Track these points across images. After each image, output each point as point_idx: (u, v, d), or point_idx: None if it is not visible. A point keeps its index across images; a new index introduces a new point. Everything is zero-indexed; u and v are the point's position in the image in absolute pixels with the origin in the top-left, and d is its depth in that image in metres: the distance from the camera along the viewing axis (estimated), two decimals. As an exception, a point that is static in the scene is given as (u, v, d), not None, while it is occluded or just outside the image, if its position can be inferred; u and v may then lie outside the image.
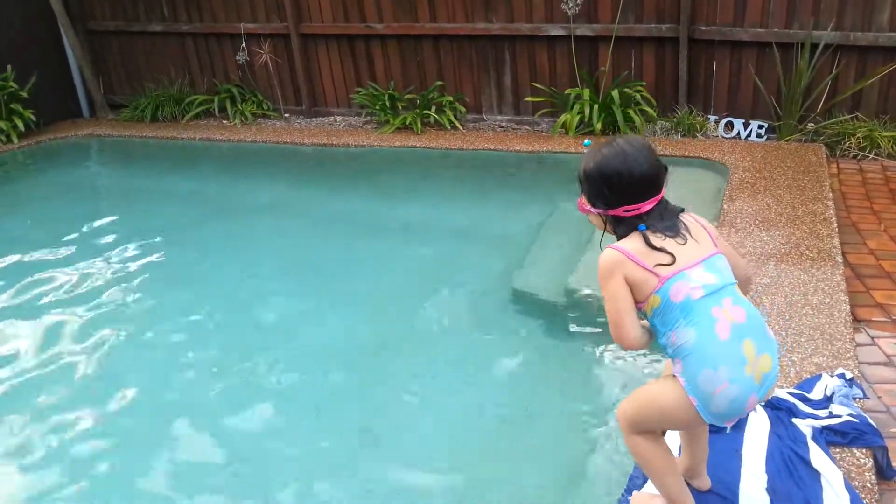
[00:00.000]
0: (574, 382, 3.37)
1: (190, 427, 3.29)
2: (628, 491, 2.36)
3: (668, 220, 1.96)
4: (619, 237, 1.99)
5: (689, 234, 1.97)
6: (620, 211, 1.95)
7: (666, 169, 1.98)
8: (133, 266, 4.93)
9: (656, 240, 1.92)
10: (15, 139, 7.70)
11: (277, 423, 3.30)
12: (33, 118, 7.91)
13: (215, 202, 6.18)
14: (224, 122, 8.10)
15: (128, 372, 3.73)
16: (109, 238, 5.44)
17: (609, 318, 1.96)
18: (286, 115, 8.17)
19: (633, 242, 1.94)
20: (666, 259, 1.90)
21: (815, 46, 5.75)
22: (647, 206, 1.94)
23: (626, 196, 1.93)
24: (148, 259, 5.05)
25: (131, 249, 5.20)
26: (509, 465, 2.88)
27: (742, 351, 1.85)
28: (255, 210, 5.90)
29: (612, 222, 2.00)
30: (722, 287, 1.91)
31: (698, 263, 1.92)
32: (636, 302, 1.94)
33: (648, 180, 1.93)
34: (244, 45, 7.95)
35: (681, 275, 1.89)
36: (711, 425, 2.09)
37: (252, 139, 7.41)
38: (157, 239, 5.40)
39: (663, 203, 1.98)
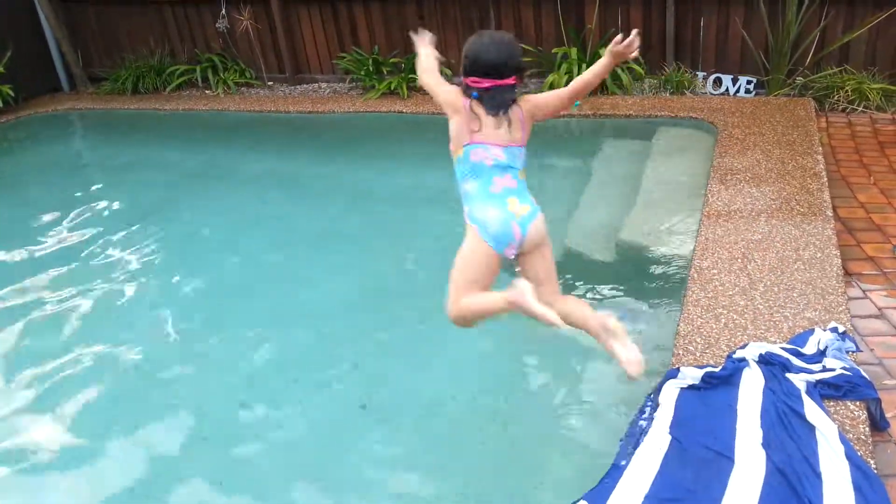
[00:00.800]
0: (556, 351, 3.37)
1: (194, 388, 3.32)
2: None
3: (496, 102, 2.55)
4: None
5: (509, 122, 2.57)
6: (468, 80, 2.57)
7: (520, 68, 2.60)
8: (119, 239, 4.88)
9: (478, 109, 2.56)
10: (-7, 115, 7.57)
11: (276, 384, 3.31)
12: (11, 94, 7.76)
13: (201, 173, 6.10)
14: (207, 92, 7.97)
15: (121, 343, 3.71)
16: (95, 212, 5.38)
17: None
18: (270, 82, 8.05)
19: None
20: (475, 126, 2.56)
21: (802, -1, 5.69)
22: (485, 83, 2.54)
23: (474, 71, 2.56)
24: (135, 231, 4.99)
25: (118, 223, 5.15)
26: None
27: (506, 200, 2.57)
28: (242, 180, 5.84)
29: (462, 87, 2.61)
30: (508, 166, 2.59)
31: (501, 146, 2.57)
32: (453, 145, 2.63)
33: (492, 65, 2.53)
34: (224, 12, 7.79)
35: (482, 145, 2.57)
36: (703, 383, 2.32)
37: (236, 108, 7.31)
38: (143, 211, 5.34)
39: (502, 89, 2.55)
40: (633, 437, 2.43)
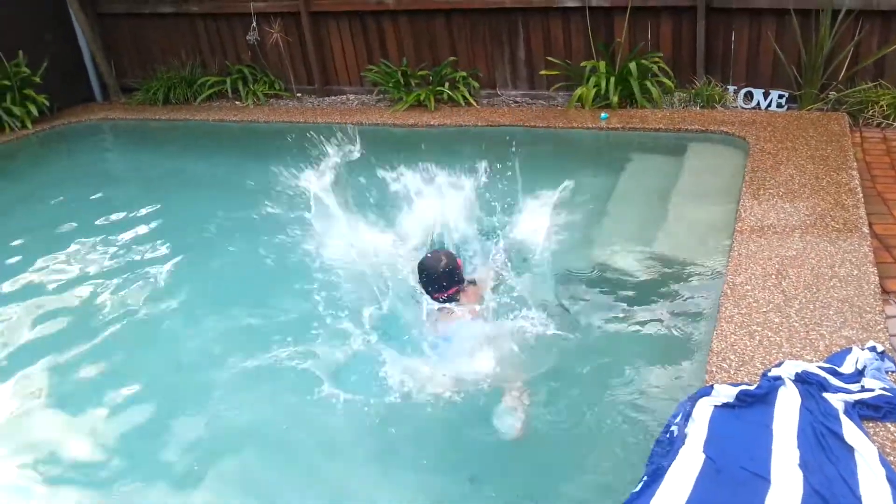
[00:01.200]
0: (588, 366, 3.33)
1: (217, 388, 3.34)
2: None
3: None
4: None
5: None
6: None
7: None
8: (149, 251, 4.92)
9: None
10: (29, 125, 7.70)
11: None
12: (47, 103, 7.90)
13: (230, 183, 6.15)
14: (237, 102, 8.06)
15: (144, 349, 3.73)
16: (124, 221, 5.44)
17: None
18: (298, 94, 8.12)
19: None
20: None
21: (836, 12, 5.61)
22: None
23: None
24: (164, 240, 5.04)
25: (148, 232, 5.20)
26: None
27: None
28: (267, 190, 5.86)
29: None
30: None
31: None
32: None
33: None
34: (254, 24, 7.89)
35: None
36: (738, 401, 2.43)
37: (265, 119, 7.38)
38: (174, 220, 5.40)
39: None
40: (661, 454, 2.38)
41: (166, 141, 7.53)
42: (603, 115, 6.19)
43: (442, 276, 3.28)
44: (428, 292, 3.30)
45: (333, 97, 7.98)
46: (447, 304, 3.28)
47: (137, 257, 4.83)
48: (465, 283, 3.40)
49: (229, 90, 8.09)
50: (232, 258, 4.78)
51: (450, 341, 3.22)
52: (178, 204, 5.79)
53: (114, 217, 5.53)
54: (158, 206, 5.75)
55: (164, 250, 4.94)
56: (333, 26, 7.72)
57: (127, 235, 5.18)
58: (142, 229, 5.29)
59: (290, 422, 3.12)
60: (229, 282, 4.49)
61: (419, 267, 3.33)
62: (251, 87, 8.06)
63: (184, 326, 4.00)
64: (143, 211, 5.65)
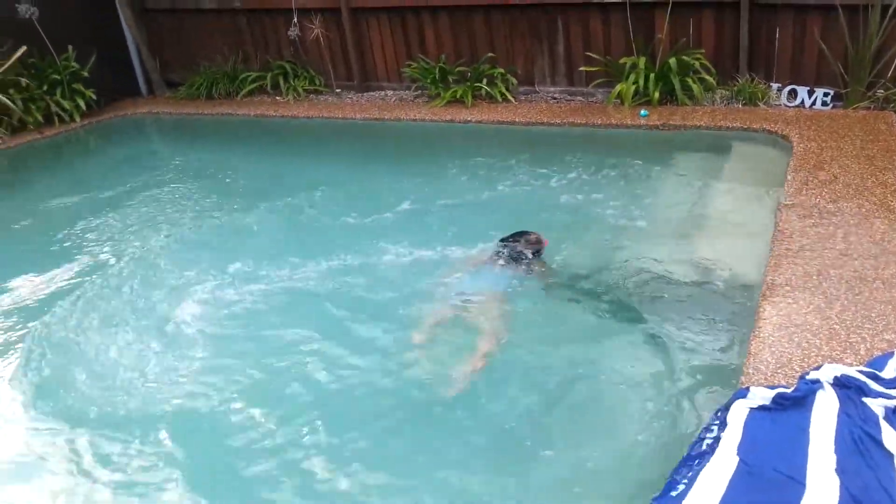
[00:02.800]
0: (627, 363, 3.32)
1: (248, 370, 3.41)
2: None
3: None
4: None
5: None
6: None
7: None
8: (195, 240, 5.04)
9: None
10: (77, 118, 7.91)
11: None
12: (94, 97, 8.11)
13: (271, 177, 6.25)
14: (277, 98, 8.17)
15: (196, 337, 3.82)
16: (167, 209, 5.58)
17: None
18: (338, 90, 8.19)
19: None
20: None
21: (886, 8, 5.47)
22: None
23: None
24: (202, 233, 5.15)
25: (189, 224, 5.32)
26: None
27: None
28: (308, 185, 5.94)
29: None
30: None
31: None
32: None
33: None
34: (296, 20, 7.97)
35: None
36: (774, 404, 2.42)
37: (305, 115, 7.47)
38: (217, 212, 5.51)
39: None
40: (697, 455, 2.37)
41: (209, 135, 7.68)
42: (643, 111, 6.13)
43: (532, 242, 4.17)
44: (513, 248, 4.13)
45: (372, 93, 8.04)
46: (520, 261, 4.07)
47: (178, 247, 4.94)
48: (539, 258, 4.15)
49: (269, 85, 8.20)
50: (274, 245, 4.85)
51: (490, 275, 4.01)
52: (218, 195, 5.91)
53: (159, 207, 5.67)
54: (200, 196, 5.88)
55: (207, 238, 5.05)
56: (373, 22, 7.77)
57: (172, 225, 5.30)
58: (185, 221, 5.40)
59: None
60: (268, 268, 4.55)
61: (524, 232, 4.22)
62: (292, 82, 8.16)
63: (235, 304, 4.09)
64: (182, 202, 5.78)
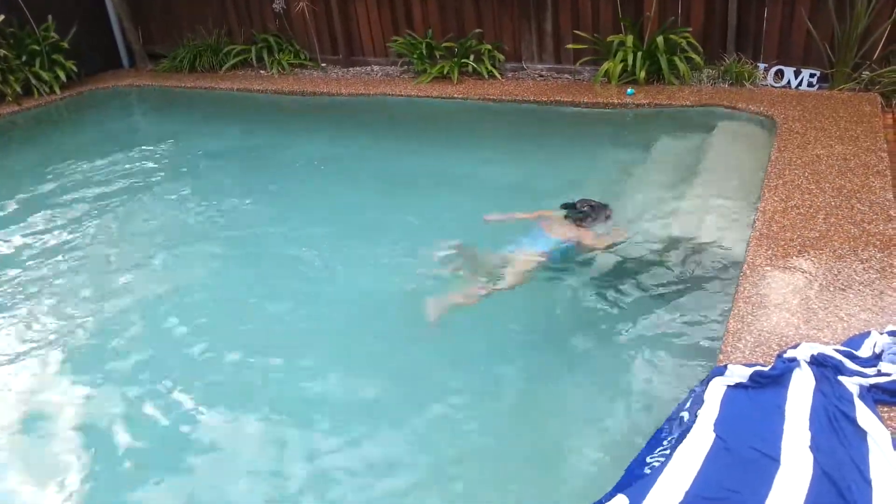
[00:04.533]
0: (604, 341, 3.33)
1: (230, 363, 3.37)
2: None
3: None
4: None
5: None
6: None
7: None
8: (169, 213, 4.99)
9: None
10: (57, 90, 7.79)
11: (307, 363, 3.35)
12: (75, 69, 7.98)
13: (252, 152, 6.19)
14: (262, 72, 8.07)
15: (165, 317, 3.79)
16: (147, 186, 5.51)
17: None
18: (323, 64, 8.10)
19: None
20: None
21: (874, -11, 5.46)
22: None
23: None
24: (183, 207, 5.10)
25: (169, 198, 5.26)
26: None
27: None
28: (291, 161, 5.90)
29: None
30: None
31: None
32: None
33: None
34: (281, -8, 7.87)
35: None
36: (751, 381, 2.46)
37: (289, 89, 7.38)
38: (197, 186, 5.46)
39: None
40: (671, 430, 2.38)
41: (190, 108, 7.58)
42: (629, 90, 6.10)
43: (591, 207, 4.24)
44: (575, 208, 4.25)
45: (358, 68, 7.96)
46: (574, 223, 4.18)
47: (155, 222, 4.89)
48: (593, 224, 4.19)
49: (254, 59, 8.10)
50: (255, 221, 4.82)
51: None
52: (195, 169, 5.85)
53: (133, 181, 5.60)
54: (175, 169, 5.82)
55: (182, 216, 5.00)
56: (360, -4, 7.67)
57: (146, 200, 5.24)
58: (160, 194, 5.35)
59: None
60: (250, 242, 4.53)
61: (587, 199, 4.33)
62: (276, 56, 8.06)
63: (210, 283, 4.06)
64: (163, 175, 5.72)
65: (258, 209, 5.04)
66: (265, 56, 8.06)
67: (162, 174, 5.80)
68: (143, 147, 6.59)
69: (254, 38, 8.30)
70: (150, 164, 6.09)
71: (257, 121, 7.04)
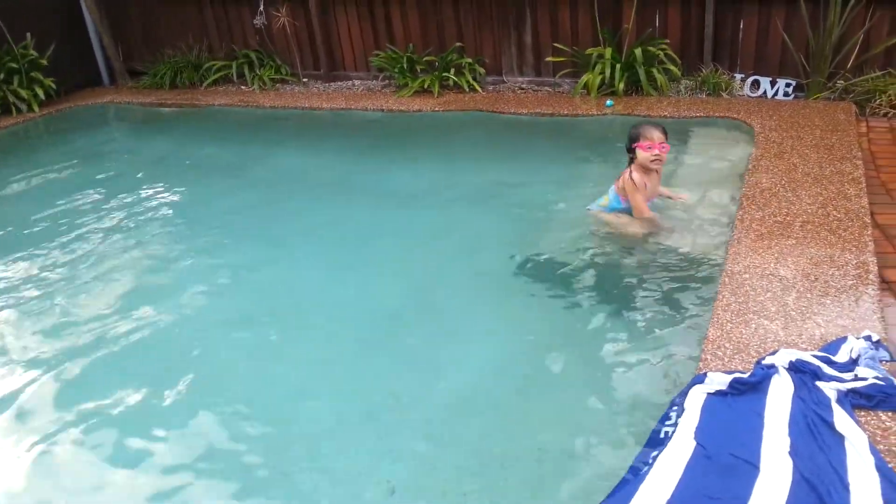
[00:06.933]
0: (585, 350, 3.34)
1: (208, 386, 3.32)
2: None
3: None
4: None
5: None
6: None
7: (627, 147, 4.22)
8: (152, 232, 4.95)
9: None
10: (36, 108, 7.73)
11: (293, 386, 3.32)
12: (54, 86, 7.93)
13: (234, 168, 6.17)
14: (243, 87, 8.07)
15: (146, 337, 3.75)
16: (129, 205, 5.47)
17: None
18: (305, 79, 8.11)
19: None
20: None
21: (846, 0, 5.55)
22: None
23: None
24: (167, 226, 5.07)
25: (152, 216, 5.22)
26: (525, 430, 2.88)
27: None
28: (273, 176, 5.89)
29: None
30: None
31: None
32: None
33: None
34: (262, 8, 7.88)
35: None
36: (731, 389, 2.45)
37: (271, 104, 7.38)
38: (177, 205, 5.43)
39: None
40: (656, 443, 2.39)
41: (170, 124, 7.54)
42: (608, 101, 6.16)
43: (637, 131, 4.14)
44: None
45: (340, 82, 7.98)
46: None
47: (134, 241, 4.85)
48: (638, 153, 4.10)
49: (235, 74, 8.10)
50: (236, 239, 4.81)
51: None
52: (181, 186, 5.82)
53: (116, 200, 5.56)
54: (161, 189, 5.78)
55: (165, 231, 4.97)
56: (341, 11, 7.70)
57: (128, 218, 5.21)
58: (143, 213, 5.31)
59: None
60: (230, 261, 4.52)
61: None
62: (257, 71, 8.06)
63: (194, 304, 4.04)
64: (145, 193, 5.68)
65: (242, 224, 5.03)
66: (246, 71, 8.07)
67: (140, 192, 5.76)
68: (122, 164, 6.56)
69: (235, 54, 8.30)
70: (128, 181, 6.05)
71: (238, 136, 7.02)
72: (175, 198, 5.60)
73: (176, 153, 6.70)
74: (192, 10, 8.43)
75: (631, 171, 4.13)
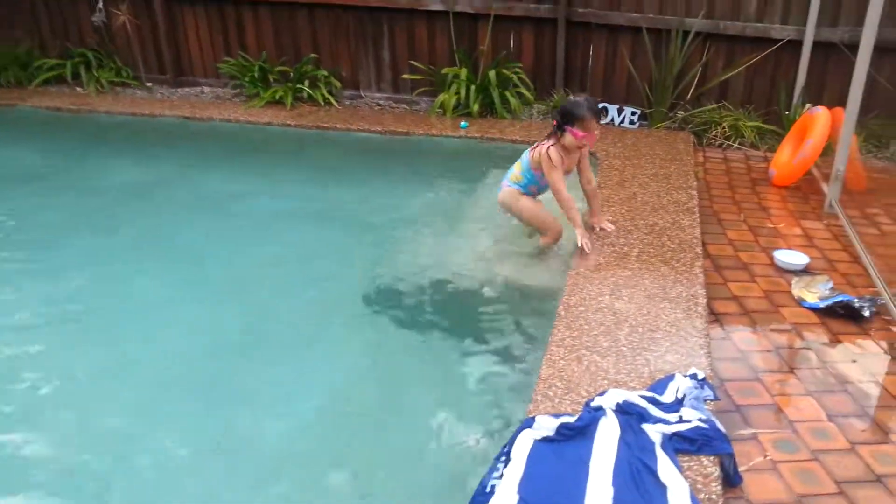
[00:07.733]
0: (435, 374, 3.21)
1: (46, 420, 2.96)
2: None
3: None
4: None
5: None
6: None
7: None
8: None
9: None
10: None
11: (133, 416, 2.99)
12: None
13: (61, 180, 5.61)
14: (78, 89, 7.41)
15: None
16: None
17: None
18: (149, 83, 7.55)
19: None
20: None
21: (686, 34, 5.80)
22: None
23: None
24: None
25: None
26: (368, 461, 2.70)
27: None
28: (104, 189, 5.40)
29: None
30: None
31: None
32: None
33: None
34: (101, 5, 7.27)
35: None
36: (558, 434, 2.44)
37: (107, 110, 6.80)
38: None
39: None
40: (480, 498, 2.26)
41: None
42: (463, 123, 6.11)
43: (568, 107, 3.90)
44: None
45: (187, 89, 7.49)
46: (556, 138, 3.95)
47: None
48: (567, 136, 3.90)
49: (70, 75, 7.42)
50: (68, 260, 4.33)
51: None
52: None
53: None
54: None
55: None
56: (189, 12, 7.23)
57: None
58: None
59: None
60: (62, 283, 4.05)
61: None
62: (94, 72, 7.43)
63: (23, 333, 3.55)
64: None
65: (52, 244, 4.54)
66: (82, 72, 7.41)
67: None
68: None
69: (69, 53, 7.61)
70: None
71: (60, 143, 6.39)
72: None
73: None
74: (20, 1, 7.65)
75: (549, 147, 3.91)
